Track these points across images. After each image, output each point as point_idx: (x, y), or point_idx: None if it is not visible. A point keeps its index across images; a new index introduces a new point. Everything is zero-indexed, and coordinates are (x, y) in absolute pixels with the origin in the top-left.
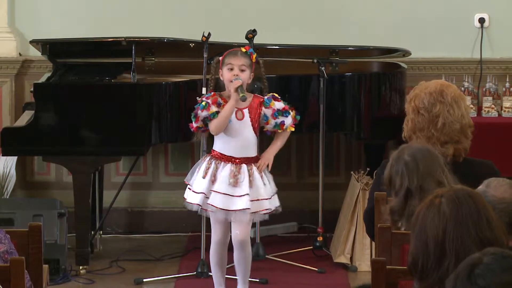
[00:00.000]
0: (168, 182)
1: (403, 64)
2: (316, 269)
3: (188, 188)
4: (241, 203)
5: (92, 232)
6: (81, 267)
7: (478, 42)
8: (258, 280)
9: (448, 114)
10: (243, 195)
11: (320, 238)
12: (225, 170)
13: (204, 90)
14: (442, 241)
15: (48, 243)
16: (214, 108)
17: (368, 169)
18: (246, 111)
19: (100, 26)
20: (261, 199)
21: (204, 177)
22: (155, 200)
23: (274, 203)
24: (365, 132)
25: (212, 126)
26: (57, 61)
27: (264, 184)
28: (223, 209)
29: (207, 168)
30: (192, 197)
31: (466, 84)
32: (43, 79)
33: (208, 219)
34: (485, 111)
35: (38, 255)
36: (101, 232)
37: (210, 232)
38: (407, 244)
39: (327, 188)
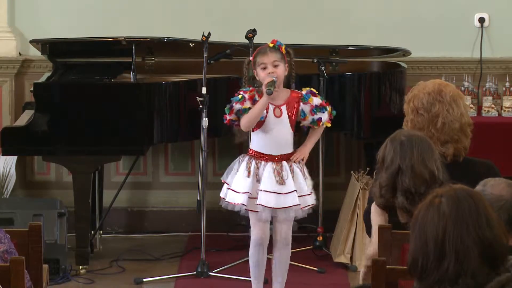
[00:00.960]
0: (168, 182)
1: (403, 64)
2: (316, 269)
3: (227, 187)
4: (290, 200)
5: (92, 232)
6: (81, 267)
7: (478, 42)
8: None
9: (448, 113)
10: (291, 192)
11: (320, 238)
12: (268, 169)
13: (204, 90)
14: (442, 241)
15: (48, 243)
16: (248, 104)
17: (368, 169)
18: (284, 108)
19: (100, 26)
20: (304, 195)
21: (248, 176)
22: (155, 200)
23: (314, 198)
24: (365, 132)
25: (244, 121)
26: (57, 60)
27: (305, 179)
28: (273, 208)
29: (249, 167)
30: (234, 197)
31: (466, 83)
32: (43, 78)
33: (208, 219)
34: (485, 110)
35: (38, 255)
36: (101, 231)
37: (210, 232)
38: (407, 244)
39: (327, 188)
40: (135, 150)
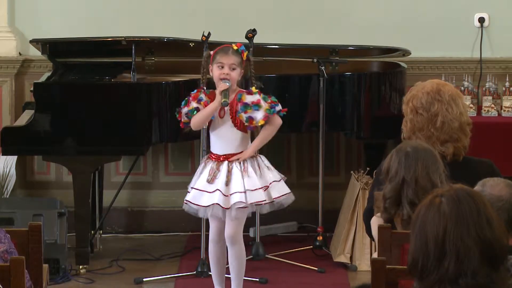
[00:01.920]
0: (168, 182)
1: (403, 64)
2: (316, 268)
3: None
4: (213, 200)
5: (92, 232)
6: (81, 267)
7: (478, 42)
8: (258, 280)
9: (447, 112)
10: (213, 191)
11: (320, 238)
12: (207, 168)
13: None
14: (442, 241)
15: (48, 242)
16: (194, 104)
17: (368, 168)
18: (227, 108)
19: (100, 26)
20: (236, 193)
21: (198, 176)
22: (155, 199)
23: (269, 195)
24: (365, 132)
25: (192, 121)
26: (57, 60)
27: (248, 176)
28: (194, 204)
29: (203, 168)
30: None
31: (466, 83)
32: (43, 78)
33: (207, 219)
34: (485, 110)
35: (38, 254)
36: (101, 231)
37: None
38: (407, 244)
39: (327, 188)
40: (135, 150)
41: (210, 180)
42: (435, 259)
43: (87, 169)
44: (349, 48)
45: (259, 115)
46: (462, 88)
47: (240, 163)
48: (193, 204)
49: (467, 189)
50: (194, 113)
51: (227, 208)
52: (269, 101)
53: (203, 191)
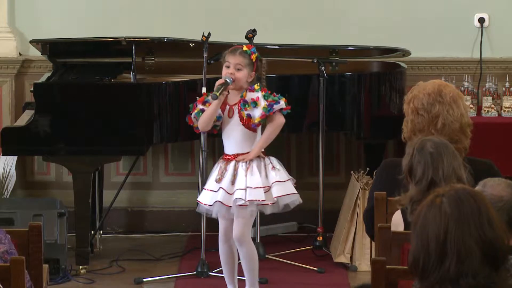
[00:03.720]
0: (168, 182)
1: (403, 64)
2: (316, 268)
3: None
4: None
5: (92, 232)
6: (81, 267)
7: (478, 42)
8: (258, 280)
9: (448, 114)
10: (217, 190)
11: (320, 238)
12: (217, 168)
13: (204, 90)
14: (443, 241)
15: (48, 242)
16: (199, 106)
17: (368, 169)
18: (235, 107)
19: (100, 26)
20: (239, 190)
21: (213, 177)
22: (155, 200)
23: (275, 194)
24: (365, 132)
25: (198, 123)
26: (57, 61)
27: (252, 174)
28: (200, 203)
29: (214, 169)
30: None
31: (466, 84)
32: (43, 79)
33: (208, 219)
34: (485, 110)
35: (38, 254)
36: (101, 231)
37: (210, 232)
38: (407, 244)
39: (327, 188)
40: (135, 150)
41: (218, 180)
42: (436, 259)
43: (87, 169)
44: (349, 48)
45: (257, 113)
46: (462, 88)
47: (245, 162)
48: (201, 203)
49: (468, 189)
50: (199, 115)
51: (229, 206)
52: (270, 99)
53: (210, 191)
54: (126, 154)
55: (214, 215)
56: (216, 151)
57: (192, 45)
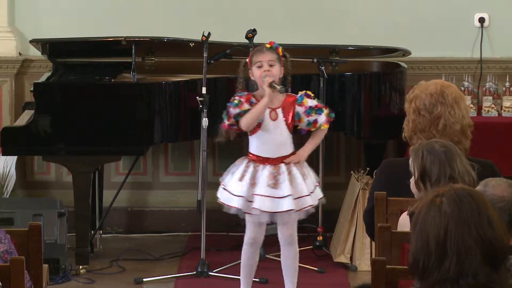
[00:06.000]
0: (168, 182)
1: (403, 64)
2: (316, 268)
3: (223, 188)
4: (285, 205)
5: (92, 232)
6: (81, 267)
7: (478, 42)
8: (258, 280)
9: (449, 115)
10: (286, 196)
11: (320, 238)
12: (265, 172)
13: (204, 90)
14: (443, 241)
15: (48, 242)
16: (246, 106)
17: (368, 168)
18: (279, 111)
19: (100, 26)
20: (304, 196)
21: (240, 180)
22: (155, 199)
23: (316, 197)
24: (365, 132)
25: (244, 121)
26: (57, 60)
27: (305, 179)
28: (269, 212)
29: (244, 171)
30: (230, 200)
31: (466, 83)
32: (43, 78)
33: (208, 219)
34: (485, 110)
35: (38, 254)
36: (101, 231)
37: (210, 232)
38: (407, 244)
39: (327, 188)
40: (135, 150)
41: (273, 185)
42: (436, 259)
43: (87, 169)
44: (349, 48)
45: (321, 119)
46: (462, 88)
47: (292, 166)
48: (267, 212)
49: (468, 189)
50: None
51: (273, 212)
52: (324, 105)
53: (272, 197)
54: (126, 154)
55: (255, 220)
56: (216, 151)
57: (192, 45)
